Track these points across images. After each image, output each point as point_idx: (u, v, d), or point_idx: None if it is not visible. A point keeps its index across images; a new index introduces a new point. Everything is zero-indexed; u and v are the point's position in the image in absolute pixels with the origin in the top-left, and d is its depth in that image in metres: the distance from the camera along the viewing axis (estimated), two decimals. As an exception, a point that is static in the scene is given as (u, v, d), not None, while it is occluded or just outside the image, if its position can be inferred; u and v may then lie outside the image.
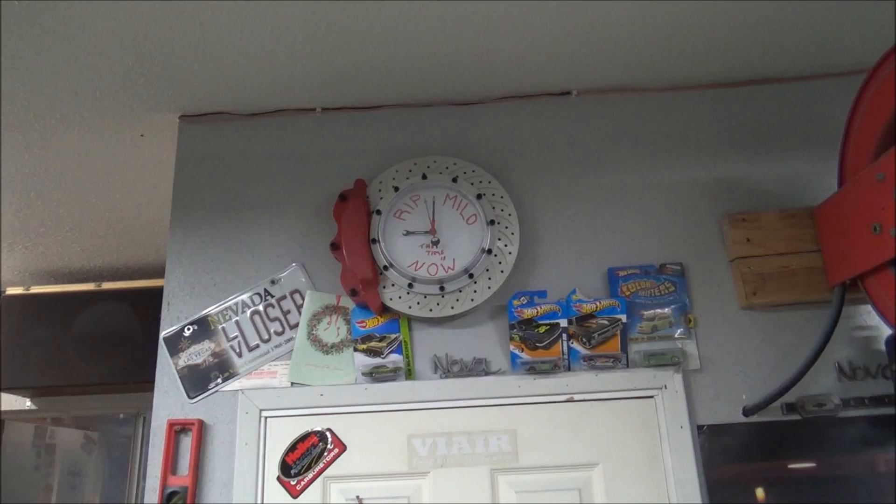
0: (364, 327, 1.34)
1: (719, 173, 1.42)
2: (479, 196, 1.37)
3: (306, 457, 1.26)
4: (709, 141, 1.45)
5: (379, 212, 1.37)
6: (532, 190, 1.44)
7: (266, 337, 1.35)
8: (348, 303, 1.36)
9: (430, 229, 1.36)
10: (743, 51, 1.37)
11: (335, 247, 1.35)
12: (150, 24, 1.21)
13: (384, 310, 1.34)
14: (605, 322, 1.30)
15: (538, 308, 1.32)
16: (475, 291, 1.32)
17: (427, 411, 1.28)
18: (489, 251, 1.34)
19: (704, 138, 1.45)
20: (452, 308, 1.31)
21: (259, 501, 1.24)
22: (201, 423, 1.30)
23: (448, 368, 1.30)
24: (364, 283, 1.31)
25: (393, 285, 1.33)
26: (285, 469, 1.26)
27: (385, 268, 1.33)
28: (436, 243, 1.34)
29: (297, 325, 1.35)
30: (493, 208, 1.37)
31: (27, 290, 2.02)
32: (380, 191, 1.40)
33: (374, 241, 1.35)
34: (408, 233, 1.36)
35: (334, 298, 1.37)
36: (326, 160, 1.47)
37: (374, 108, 1.49)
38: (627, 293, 1.34)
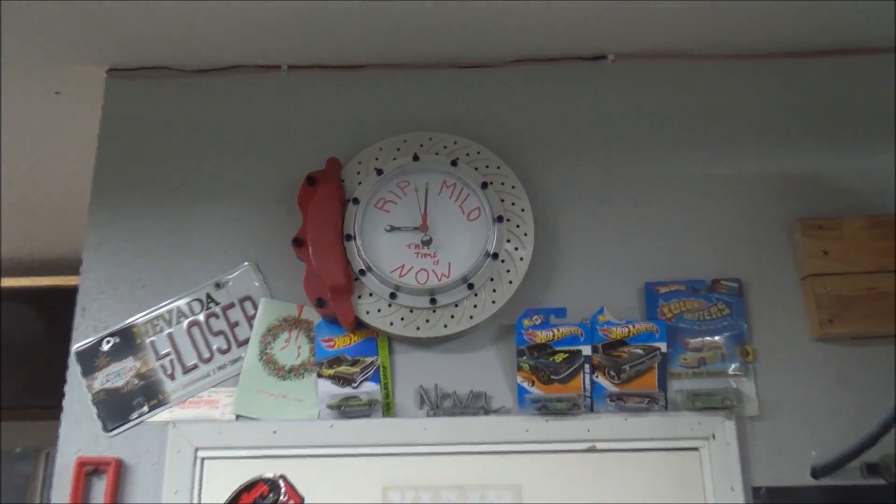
0: (332, 347, 1.34)
1: (790, 166, 1.42)
2: (484, 185, 1.38)
3: (253, 511, 1.27)
4: (778, 125, 1.45)
5: (356, 200, 1.37)
6: (552, 179, 1.43)
7: (207, 355, 1.35)
8: (313, 315, 1.36)
9: (420, 225, 1.36)
10: (824, 10, 1.36)
11: (299, 243, 1.35)
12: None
13: (358, 326, 1.34)
14: (640, 351, 1.31)
15: (555, 330, 1.32)
16: (475, 306, 1.32)
17: (408, 457, 1.27)
18: (495, 255, 1.34)
19: (773, 121, 1.45)
20: (446, 326, 1.31)
21: (190, 567, 1.25)
22: (119, 464, 1.29)
23: (437, 403, 1.30)
24: (334, 291, 1.31)
25: (371, 295, 1.33)
26: (225, 526, 1.27)
27: (362, 272, 1.33)
28: (427, 243, 1.35)
29: (246, 342, 1.35)
30: (502, 201, 1.37)
31: None
32: (358, 173, 1.40)
33: (348, 237, 1.35)
34: (392, 228, 1.36)
35: (295, 309, 1.37)
36: (291, 132, 1.47)
37: (355, 67, 1.49)
38: (669, 315, 1.34)
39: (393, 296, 1.32)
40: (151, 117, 1.49)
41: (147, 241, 1.42)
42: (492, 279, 1.33)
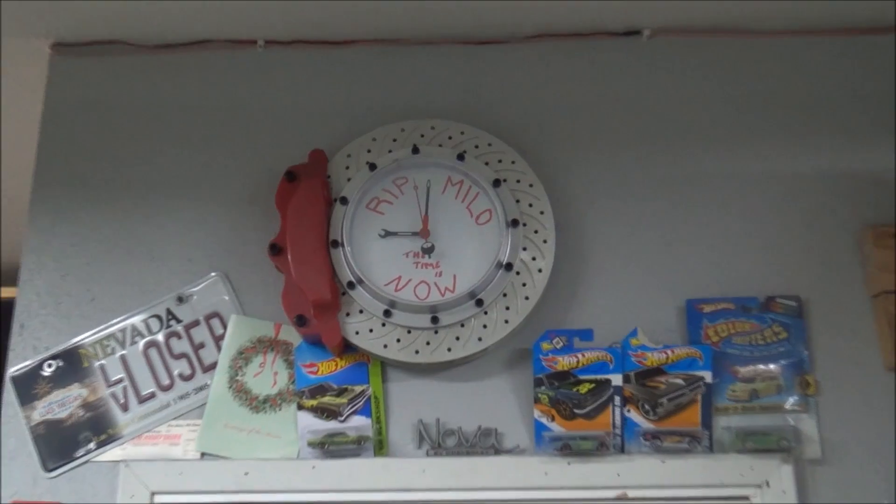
0: (315, 374, 1.32)
1: (860, 164, 1.40)
2: (496, 183, 1.36)
3: (219, 568, 1.24)
4: (847, 115, 1.43)
5: (345, 200, 1.35)
6: (577, 177, 1.42)
7: (166, 382, 1.34)
8: (293, 336, 1.35)
9: (420, 229, 1.34)
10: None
11: (276, 250, 1.33)
12: None
13: (346, 348, 1.32)
14: (680, 381, 1.29)
15: (579, 356, 1.30)
16: (485, 327, 1.30)
17: (405, 505, 1.26)
18: (508, 266, 1.32)
19: (841, 111, 1.43)
20: (450, 350, 1.29)
21: None
22: (62, 510, 1.28)
23: (439, 441, 1.29)
24: (318, 307, 1.29)
25: (361, 312, 1.31)
26: (186, 587, 1.24)
27: (351, 285, 1.31)
28: (429, 251, 1.33)
29: (213, 367, 1.34)
30: (518, 202, 1.36)
31: None
32: (347, 168, 1.38)
33: (335, 243, 1.33)
34: (387, 233, 1.34)
35: (271, 328, 1.36)
36: (268, 119, 1.46)
37: (344, 43, 1.47)
38: (715, 339, 1.32)
39: (387, 313, 1.30)
40: (103, 100, 1.46)
41: (97, 246, 1.40)
42: (504, 294, 1.31)
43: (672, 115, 1.44)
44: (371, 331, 1.30)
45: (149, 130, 1.46)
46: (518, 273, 1.32)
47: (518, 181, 1.36)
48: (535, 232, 1.34)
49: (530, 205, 1.35)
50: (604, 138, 1.44)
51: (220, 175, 1.43)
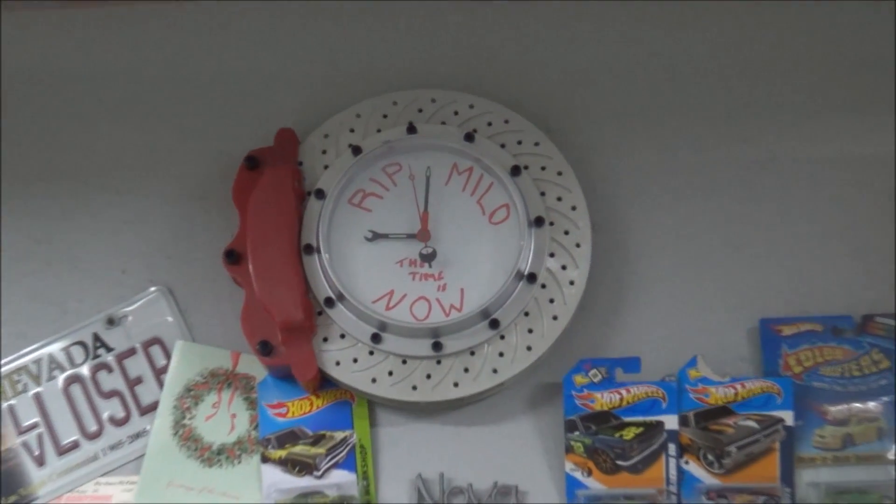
0: (284, 416, 1.30)
1: None
2: (515, 171, 1.32)
3: None
4: None
5: (321, 193, 1.32)
6: (620, 162, 1.39)
7: (93, 429, 1.31)
8: (256, 367, 1.32)
9: (419, 231, 1.31)
10: None
11: (234, 258, 1.30)
12: None
13: (323, 383, 1.30)
14: (753, 424, 1.26)
15: (623, 392, 1.27)
16: (501, 355, 1.26)
17: (400, 587, 1.21)
18: (531, 277, 1.28)
19: None
20: (456, 385, 1.26)
21: None
22: None
23: (444, 501, 1.27)
24: (287, 331, 1.26)
25: (343, 337, 1.27)
26: None
27: (329, 302, 1.28)
28: (429, 258, 1.30)
29: (154, 408, 1.32)
30: (543, 195, 1.32)
31: None
32: (325, 153, 1.35)
33: (309, 248, 1.30)
34: (376, 236, 1.31)
35: (228, 358, 1.34)
36: (225, 90, 1.45)
37: None
38: (798, 369, 1.29)
39: (376, 338, 1.26)
40: (7, 67, 1.46)
41: (3, 254, 1.39)
42: (526, 313, 1.27)
43: (739, 84, 1.42)
44: (356, 361, 1.27)
45: (70, 104, 1.44)
46: (544, 286, 1.29)
47: (543, 168, 1.33)
48: (566, 233, 1.31)
49: (559, 198, 1.32)
50: (653, 114, 1.41)
51: (162, 161, 1.41)
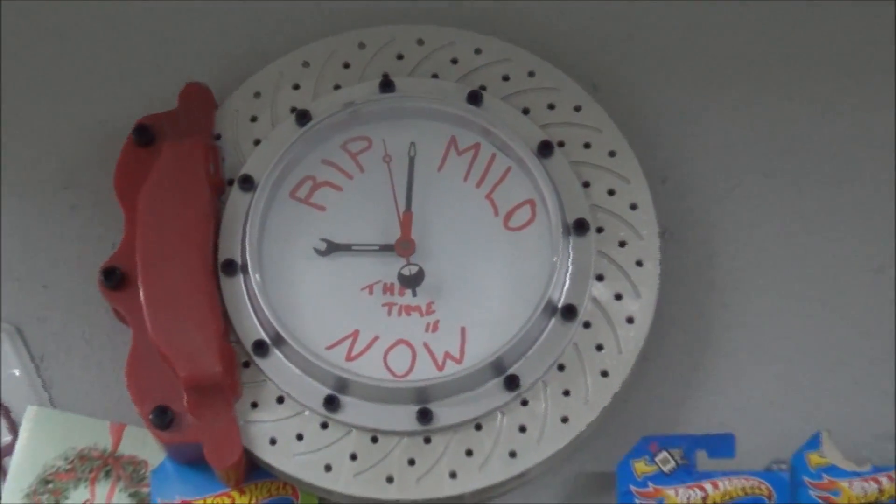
0: None
1: None
2: (544, 149, 1.27)
3: None
4: None
5: (249, 182, 1.29)
6: (703, 135, 1.38)
7: None
8: (149, 448, 1.29)
9: (397, 240, 1.28)
10: None
11: (116, 279, 1.26)
12: None
13: (251, 471, 1.25)
14: None
15: (708, 487, 1.24)
16: (523, 429, 1.22)
17: None
18: (569, 311, 1.23)
19: None
20: (454, 477, 1.22)
21: None
22: None
23: None
24: (195, 391, 1.22)
25: (281, 401, 1.24)
26: None
27: (261, 348, 1.24)
28: (413, 280, 1.27)
29: None
30: (587, 187, 1.28)
31: None
32: (255, 120, 1.33)
33: (230, 266, 1.26)
34: (333, 247, 1.27)
35: (107, 433, 1.30)
36: (102, 27, 1.43)
37: None
38: None
39: (333, 403, 1.22)
40: None
41: None
42: (562, 367, 1.23)
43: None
44: (301, 438, 1.23)
45: None
46: (588, 325, 1.24)
47: (587, 146, 1.28)
48: (621, 245, 1.26)
49: (611, 191, 1.26)
50: (754, 68, 1.39)
51: (10, 135, 1.39)
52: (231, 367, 1.22)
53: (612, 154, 1.29)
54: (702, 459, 1.24)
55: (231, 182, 1.29)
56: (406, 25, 1.36)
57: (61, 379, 1.34)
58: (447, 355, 1.23)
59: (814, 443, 1.24)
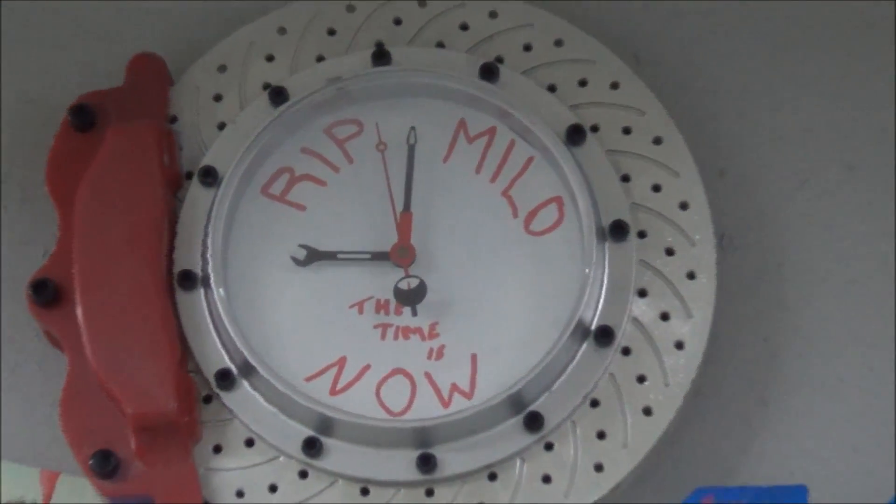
0: None
1: None
2: (574, 134, 1.25)
3: None
4: None
5: (212, 175, 1.27)
6: (765, 122, 1.36)
7: None
8: (85, 500, 1.24)
9: (393, 247, 1.27)
10: None
11: (48, 294, 1.25)
12: None
13: None
14: None
15: None
16: (548, 480, 1.20)
17: None
18: (604, 334, 1.21)
19: None
20: None
21: None
22: None
23: None
24: (146, 431, 1.21)
25: (251, 445, 1.22)
26: None
27: (226, 379, 1.23)
28: (413, 296, 1.26)
29: None
30: (627, 182, 1.27)
31: None
32: (219, 99, 1.32)
33: (188, 278, 1.25)
34: (314, 255, 1.26)
35: (37, 483, 1.28)
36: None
37: None
38: None
39: (314, 447, 1.19)
40: None
41: None
42: (595, 403, 1.20)
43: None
44: (274, 489, 1.20)
45: None
46: (628, 351, 1.21)
47: (626, 130, 1.26)
48: (669, 253, 1.23)
49: (656, 187, 1.24)
50: (839, 35, 1.38)
51: None
52: (189, 402, 1.20)
53: (657, 141, 1.26)
54: (772, 519, 1.18)
55: (190, 175, 1.27)
56: (405, -21, 1.28)
57: (-20, 414, 1.28)
58: (454, 388, 1.21)
59: (904, 497, 1.18)
